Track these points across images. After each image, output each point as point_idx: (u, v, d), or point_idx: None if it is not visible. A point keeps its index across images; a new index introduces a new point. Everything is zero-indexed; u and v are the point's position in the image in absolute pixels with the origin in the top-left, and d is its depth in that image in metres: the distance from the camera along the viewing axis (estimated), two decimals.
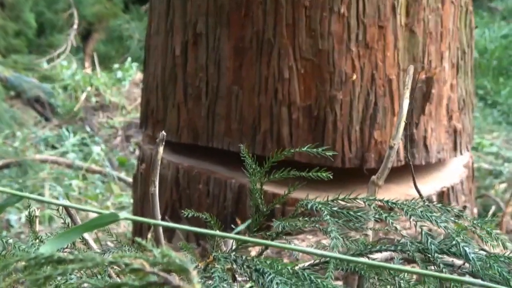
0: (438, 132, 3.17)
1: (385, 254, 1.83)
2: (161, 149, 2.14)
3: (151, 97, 3.42)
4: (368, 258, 1.69)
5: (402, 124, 2.60)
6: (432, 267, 1.63)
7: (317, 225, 1.83)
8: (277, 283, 1.33)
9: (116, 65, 9.79)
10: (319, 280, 1.36)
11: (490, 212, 4.71)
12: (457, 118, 3.28)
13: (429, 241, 1.67)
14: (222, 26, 3.08)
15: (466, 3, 3.36)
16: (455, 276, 1.53)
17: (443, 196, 3.19)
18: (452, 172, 3.42)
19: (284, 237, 1.91)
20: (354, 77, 3.00)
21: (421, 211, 1.75)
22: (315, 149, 1.89)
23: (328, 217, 1.71)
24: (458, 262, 1.65)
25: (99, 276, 1.24)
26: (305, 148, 1.85)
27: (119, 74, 9.55)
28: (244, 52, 3.07)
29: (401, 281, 1.56)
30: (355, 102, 2.99)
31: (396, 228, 1.73)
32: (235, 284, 1.48)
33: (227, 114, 3.07)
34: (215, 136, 3.09)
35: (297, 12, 2.97)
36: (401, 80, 3.03)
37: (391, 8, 3.04)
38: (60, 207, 1.94)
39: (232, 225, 2.48)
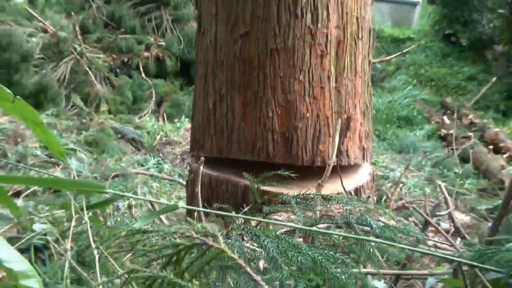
0: (354, 148, 3.24)
1: (326, 225, 1.83)
2: (201, 167, 2.15)
3: (196, 133, 3.43)
4: (317, 227, 1.69)
5: (335, 153, 2.64)
6: (352, 232, 1.64)
7: (288, 208, 1.84)
8: (266, 242, 1.32)
9: (176, 120, 9.80)
10: (290, 239, 1.35)
11: (383, 200, 4.74)
12: (365, 142, 3.36)
13: (350, 216, 1.67)
14: (235, 90, 3.13)
15: (367, 79, 3.40)
16: (364, 237, 1.53)
17: (357, 191, 3.20)
18: (362, 177, 3.42)
19: (269, 215, 1.93)
20: (308, 115, 3.07)
21: (345, 200, 1.76)
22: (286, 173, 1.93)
23: (294, 204, 1.73)
24: (367, 229, 1.65)
25: (167, 239, 1.22)
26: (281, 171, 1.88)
27: (178, 124, 9.56)
28: (247, 104, 3.10)
29: (335, 239, 1.57)
30: (309, 129, 3.05)
31: (332, 210, 1.74)
32: (244, 242, 1.47)
33: (238, 139, 3.11)
34: (231, 152, 3.14)
35: (276, 79, 3.03)
36: (334, 118, 3.10)
37: (327, 77, 3.10)
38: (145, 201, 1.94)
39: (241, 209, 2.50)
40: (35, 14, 11.37)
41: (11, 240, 1.51)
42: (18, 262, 0.88)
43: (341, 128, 3.11)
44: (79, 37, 10.71)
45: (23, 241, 1.47)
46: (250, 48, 3.11)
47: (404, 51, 13.73)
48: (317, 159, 3.09)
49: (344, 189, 2.76)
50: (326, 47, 3.12)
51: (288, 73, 3.07)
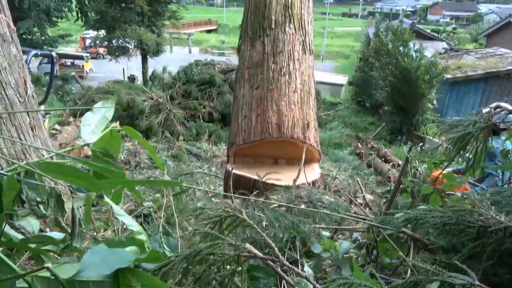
0: (311, 137, 3.20)
1: (298, 202, 1.77)
2: (232, 170, 2.09)
3: (231, 138, 3.37)
4: (293, 203, 1.63)
5: (302, 164, 2.55)
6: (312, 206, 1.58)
7: (278, 193, 1.77)
8: (267, 212, 1.27)
9: (218, 144, 9.76)
10: (279, 211, 1.31)
11: (327, 187, 4.63)
12: (316, 137, 3.28)
13: (312, 197, 1.61)
14: (252, 112, 3.18)
15: (315, 112, 3.47)
16: (319, 210, 1.47)
17: (314, 182, 3.11)
18: (315, 174, 3.32)
19: (268, 197, 1.86)
20: (288, 116, 3.17)
21: (309, 188, 1.70)
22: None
23: (281, 190, 1.66)
24: (320, 203, 1.59)
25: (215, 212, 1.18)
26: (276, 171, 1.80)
27: (219, 146, 9.49)
28: (258, 116, 3.16)
29: (303, 210, 1.51)
30: (289, 122, 3.22)
31: (301, 194, 1.67)
32: (255, 211, 1.41)
33: (254, 132, 3.14)
34: (249, 138, 3.13)
35: (273, 101, 3.17)
36: (300, 120, 3.15)
37: (297, 101, 3.20)
38: (202, 189, 1.89)
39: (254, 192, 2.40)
40: (146, 89, 11.42)
41: (130, 212, 1.48)
42: (134, 225, 0.85)
43: (304, 126, 3.12)
44: (169, 101, 10.73)
45: (137, 212, 1.43)
46: (260, 92, 3.22)
47: (337, 109, 13.71)
48: (294, 135, 3.07)
49: (307, 181, 2.68)
50: (295, 89, 3.23)
51: (278, 99, 3.17)
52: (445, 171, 1.58)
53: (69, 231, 0.82)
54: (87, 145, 0.82)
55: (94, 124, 0.89)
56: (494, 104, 1.49)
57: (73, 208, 0.79)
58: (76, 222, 0.75)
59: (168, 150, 8.35)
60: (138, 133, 0.97)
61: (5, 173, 0.72)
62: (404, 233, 1.15)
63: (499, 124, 1.46)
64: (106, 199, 0.75)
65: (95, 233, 1.47)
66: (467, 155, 1.43)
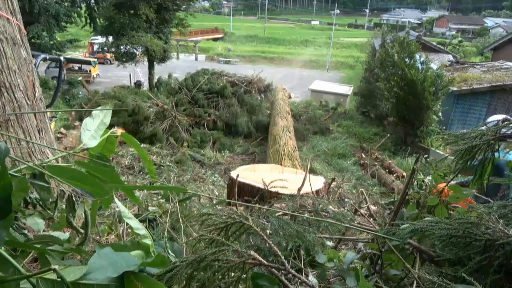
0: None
1: (302, 211, 1.76)
2: (237, 178, 2.08)
3: None
4: (297, 212, 1.61)
5: (308, 171, 2.54)
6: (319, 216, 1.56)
7: (283, 201, 1.76)
8: (271, 219, 1.26)
9: (222, 151, 9.75)
10: (283, 219, 1.30)
11: (331, 197, 4.60)
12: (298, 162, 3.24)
13: (316, 206, 1.60)
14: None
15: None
16: (323, 219, 1.45)
17: (318, 192, 3.09)
18: (319, 184, 3.33)
19: (273, 205, 1.84)
20: (284, 149, 3.01)
21: (313, 197, 1.69)
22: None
23: (286, 199, 1.66)
24: (327, 214, 1.58)
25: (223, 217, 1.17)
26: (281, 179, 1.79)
27: (223, 153, 9.48)
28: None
29: (307, 218, 1.49)
30: (284, 152, 2.99)
31: (306, 204, 1.66)
32: (260, 219, 1.40)
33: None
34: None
35: (275, 143, 2.99)
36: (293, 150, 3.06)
37: (287, 141, 3.08)
38: (208, 196, 1.89)
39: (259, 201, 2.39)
40: (152, 96, 11.49)
41: (135, 216, 1.48)
42: (140, 229, 0.85)
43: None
44: (174, 108, 10.78)
45: (142, 216, 1.43)
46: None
47: (335, 108, 13.71)
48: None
49: (312, 190, 2.67)
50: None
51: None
52: (450, 184, 1.57)
53: (81, 231, 0.82)
54: (88, 149, 0.83)
55: (94, 129, 0.92)
56: (501, 117, 1.48)
57: (85, 210, 0.80)
58: (89, 222, 0.75)
59: (172, 156, 8.38)
60: (135, 140, 0.99)
61: (16, 174, 0.72)
62: (410, 244, 1.14)
63: (506, 137, 1.46)
64: (117, 202, 0.75)
65: (98, 237, 1.47)
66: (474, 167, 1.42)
